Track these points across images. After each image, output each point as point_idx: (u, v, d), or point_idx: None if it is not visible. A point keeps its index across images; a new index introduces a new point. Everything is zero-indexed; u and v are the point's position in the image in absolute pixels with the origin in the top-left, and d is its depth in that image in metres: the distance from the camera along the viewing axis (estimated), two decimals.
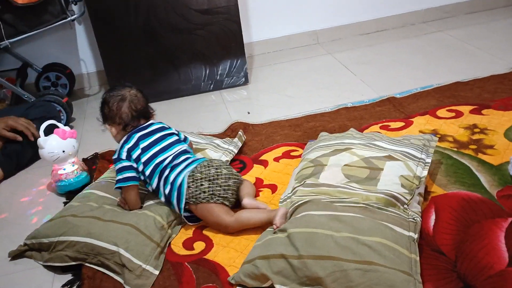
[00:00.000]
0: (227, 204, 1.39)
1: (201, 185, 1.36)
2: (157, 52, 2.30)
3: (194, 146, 1.71)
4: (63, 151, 1.67)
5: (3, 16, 1.99)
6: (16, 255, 1.42)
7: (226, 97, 2.35)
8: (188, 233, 1.41)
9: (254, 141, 1.87)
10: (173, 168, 1.42)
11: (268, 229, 1.30)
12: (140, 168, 1.44)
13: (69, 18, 2.15)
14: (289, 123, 1.97)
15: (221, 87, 2.44)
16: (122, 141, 1.46)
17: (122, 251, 1.27)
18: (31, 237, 1.41)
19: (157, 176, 1.42)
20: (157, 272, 1.27)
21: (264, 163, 1.70)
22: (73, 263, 1.33)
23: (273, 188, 1.56)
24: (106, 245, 1.29)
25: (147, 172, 1.43)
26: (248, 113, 2.15)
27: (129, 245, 1.28)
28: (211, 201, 1.36)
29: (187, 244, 1.36)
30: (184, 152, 1.48)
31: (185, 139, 1.58)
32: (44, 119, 1.73)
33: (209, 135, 1.92)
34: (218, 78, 2.42)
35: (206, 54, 2.35)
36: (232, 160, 1.74)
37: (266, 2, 2.74)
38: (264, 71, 2.61)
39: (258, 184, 1.59)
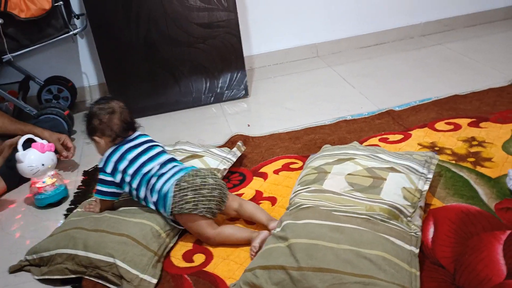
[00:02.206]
0: (210, 216, 1.38)
1: (186, 195, 1.37)
2: (158, 65, 2.33)
3: (192, 154, 1.73)
4: (43, 164, 1.69)
5: (6, 30, 2.02)
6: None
7: (226, 110, 2.37)
8: (188, 245, 1.41)
9: (254, 154, 1.88)
10: (159, 177, 1.43)
11: (269, 236, 1.30)
12: (127, 179, 1.45)
13: (71, 32, 2.17)
14: (289, 136, 1.98)
15: (221, 100, 2.46)
16: (108, 153, 1.47)
17: (119, 263, 1.28)
18: (32, 252, 1.41)
19: (145, 186, 1.44)
20: (155, 281, 1.27)
21: (264, 176, 1.71)
22: (73, 276, 1.34)
23: (273, 200, 1.56)
24: (102, 257, 1.30)
25: (134, 184, 1.44)
26: (248, 125, 2.16)
27: (126, 256, 1.29)
28: (194, 212, 1.36)
29: (187, 256, 1.37)
30: (171, 160, 1.50)
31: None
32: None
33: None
34: (218, 91, 2.44)
35: (206, 67, 2.37)
36: (232, 173, 1.75)
37: (266, 15, 2.77)
38: (264, 84, 2.63)
39: (258, 196, 1.59)
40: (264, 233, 1.33)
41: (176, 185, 1.39)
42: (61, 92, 2.56)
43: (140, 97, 2.37)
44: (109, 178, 1.46)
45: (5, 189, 1.85)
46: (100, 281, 1.31)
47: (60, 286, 1.35)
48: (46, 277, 1.36)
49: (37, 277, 1.38)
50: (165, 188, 1.40)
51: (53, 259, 1.36)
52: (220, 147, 1.94)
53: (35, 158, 1.68)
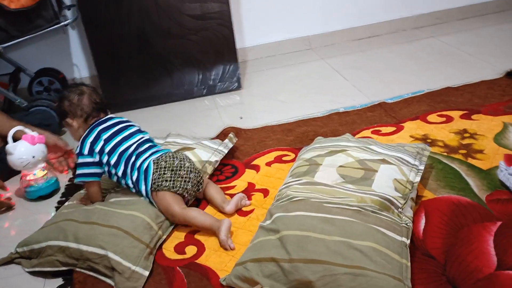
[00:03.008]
0: (187, 195, 1.44)
1: (164, 174, 1.41)
2: (150, 57, 2.31)
3: (183, 146, 1.74)
4: (33, 157, 1.67)
5: None
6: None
7: (219, 102, 2.36)
8: (180, 237, 1.41)
9: (246, 146, 1.88)
10: (138, 155, 1.45)
11: (259, 228, 1.30)
12: (105, 159, 1.46)
13: (62, 23, 2.15)
14: (281, 128, 1.98)
15: (214, 92, 2.45)
16: (83, 136, 1.48)
17: (110, 254, 1.27)
18: (23, 244, 1.40)
19: (123, 163, 1.45)
20: (146, 273, 1.27)
21: (256, 168, 1.71)
22: (64, 268, 1.33)
23: (265, 192, 1.56)
24: (94, 249, 1.29)
25: (112, 161, 1.45)
26: (241, 118, 2.15)
27: (117, 248, 1.28)
28: (172, 190, 1.40)
29: (179, 248, 1.36)
30: (148, 140, 1.52)
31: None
32: (41, 126, 1.73)
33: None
34: (211, 83, 2.43)
35: (199, 59, 2.36)
36: (225, 165, 1.75)
37: (259, 7, 2.75)
38: (257, 76, 2.63)
39: (250, 188, 1.59)
40: (226, 222, 1.35)
41: (155, 163, 1.42)
42: (52, 84, 2.53)
43: (132, 89, 2.36)
44: (89, 159, 1.46)
45: None
46: (91, 273, 1.30)
47: (51, 279, 1.34)
48: (37, 269, 1.35)
49: (27, 270, 1.37)
50: (144, 165, 1.43)
51: (44, 251, 1.35)
52: (212, 139, 1.93)
53: (25, 150, 1.66)
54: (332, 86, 2.36)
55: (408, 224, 1.25)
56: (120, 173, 1.46)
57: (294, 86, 2.43)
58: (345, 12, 2.88)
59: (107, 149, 1.45)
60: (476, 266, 1.14)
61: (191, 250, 1.35)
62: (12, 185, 1.82)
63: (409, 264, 1.13)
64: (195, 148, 1.72)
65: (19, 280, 1.35)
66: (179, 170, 1.42)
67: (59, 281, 1.33)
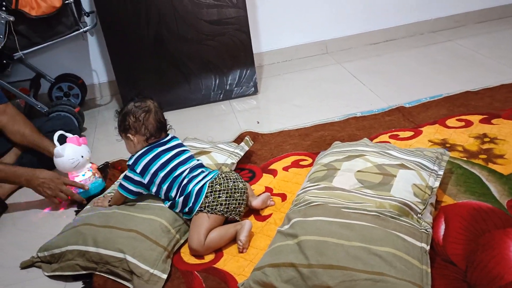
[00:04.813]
0: (238, 218, 1.42)
1: (219, 197, 1.39)
2: (167, 62, 2.33)
3: (200, 150, 1.74)
4: (82, 156, 1.71)
5: (18, 27, 2.03)
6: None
7: (235, 107, 2.37)
8: None
9: (263, 150, 1.88)
10: (191, 179, 1.44)
11: (277, 233, 1.30)
12: (157, 181, 1.44)
13: (81, 30, 2.18)
14: (298, 133, 1.98)
15: (230, 97, 2.46)
16: (140, 153, 1.46)
17: (129, 258, 1.29)
18: (43, 249, 1.42)
19: (176, 187, 1.44)
20: (165, 276, 1.28)
21: (274, 172, 1.71)
22: (84, 272, 1.35)
23: (283, 197, 1.56)
24: (112, 253, 1.31)
25: (165, 186, 1.44)
26: (258, 122, 2.16)
27: (135, 251, 1.30)
28: (226, 214, 1.40)
29: None
30: (200, 165, 1.51)
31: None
32: (63, 131, 1.76)
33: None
34: (228, 88, 2.44)
35: (216, 64, 2.37)
36: (241, 169, 1.75)
37: (275, 12, 2.76)
38: (273, 81, 2.63)
39: (268, 193, 1.59)
40: (247, 224, 1.35)
41: (209, 186, 1.41)
42: (72, 89, 2.57)
43: (149, 94, 2.36)
44: (138, 178, 1.45)
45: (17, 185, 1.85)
46: (111, 277, 1.32)
47: (71, 282, 1.36)
48: (57, 273, 1.37)
49: (47, 274, 1.39)
50: (196, 189, 1.41)
51: (64, 255, 1.37)
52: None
53: (73, 152, 1.70)
54: (349, 91, 2.35)
55: (427, 229, 1.23)
56: (172, 196, 1.44)
57: (310, 90, 2.42)
58: (361, 16, 2.87)
59: (162, 174, 1.43)
60: (498, 272, 1.13)
61: (209, 255, 1.35)
62: None
63: (429, 270, 1.12)
64: (211, 152, 1.73)
65: (41, 282, 1.37)
66: (234, 193, 1.41)
67: (79, 284, 1.35)
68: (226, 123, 2.20)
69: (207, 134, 2.07)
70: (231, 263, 1.31)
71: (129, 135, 1.47)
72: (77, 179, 1.71)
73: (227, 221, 1.42)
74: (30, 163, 1.87)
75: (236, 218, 1.42)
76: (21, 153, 1.88)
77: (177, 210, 1.44)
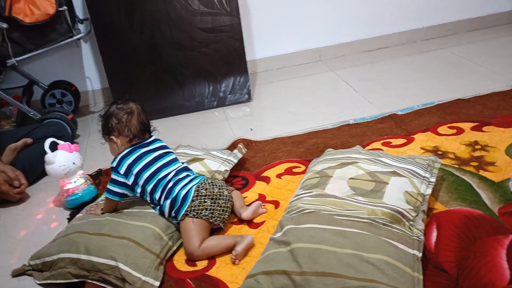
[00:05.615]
0: (222, 226, 1.43)
1: (204, 202, 1.40)
2: (161, 69, 2.33)
3: (193, 157, 1.74)
4: (73, 163, 1.70)
5: (11, 34, 2.03)
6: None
7: (229, 114, 2.37)
8: None
9: (256, 158, 1.88)
10: (177, 182, 1.44)
11: (270, 240, 1.30)
12: (141, 182, 1.45)
13: (75, 37, 2.19)
14: (291, 140, 1.98)
15: (224, 104, 2.46)
16: (122, 154, 1.47)
17: (121, 265, 1.28)
18: (35, 257, 1.41)
19: (160, 189, 1.44)
20: (157, 283, 1.27)
21: (267, 180, 1.71)
22: (76, 280, 1.34)
23: (276, 204, 1.56)
24: (105, 260, 1.30)
25: (149, 188, 1.44)
26: (251, 129, 2.16)
27: (128, 258, 1.29)
28: (210, 219, 1.39)
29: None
30: (186, 169, 1.51)
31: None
32: (55, 138, 1.76)
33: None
34: (221, 95, 2.44)
35: (209, 71, 2.38)
36: (234, 177, 1.75)
37: (269, 20, 2.77)
38: (267, 88, 2.64)
39: (261, 200, 1.59)
40: (248, 238, 1.35)
41: (195, 190, 1.41)
42: (65, 96, 2.57)
43: (143, 101, 2.31)
44: (122, 179, 1.45)
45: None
46: (103, 285, 1.31)
47: None
48: (49, 281, 1.36)
49: (39, 282, 1.38)
50: (183, 192, 1.41)
51: (56, 263, 1.36)
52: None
53: (65, 158, 1.69)
54: (342, 98, 2.36)
55: (419, 237, 1.24)
56: (156, 198, 1.44)
57: (304, 98, 2.43)
58: (354, 24, 2.89)
59: (145, 175, 1.44)
60: (489, 280, 1.13)
61: (202, 262, 1.35)
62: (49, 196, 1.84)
63: (421, 277, 1.12)
64: (204, 159, 1.73)
65: None
66: (218, 199, 1.42)
67: None
68: (219, 130, 2.21)
69: (201, 141, 2.07)
70: (224, 270, 1.31)
71: (112, 137, 1.49)
72: (68, 186, 1.70)
73: (212, 229, 1.43)
74: (23, 167, 1.87)
75: (220, 225, 1.42)
76: (17, 154, 1.88)
77: (166, 215, 1.44)
